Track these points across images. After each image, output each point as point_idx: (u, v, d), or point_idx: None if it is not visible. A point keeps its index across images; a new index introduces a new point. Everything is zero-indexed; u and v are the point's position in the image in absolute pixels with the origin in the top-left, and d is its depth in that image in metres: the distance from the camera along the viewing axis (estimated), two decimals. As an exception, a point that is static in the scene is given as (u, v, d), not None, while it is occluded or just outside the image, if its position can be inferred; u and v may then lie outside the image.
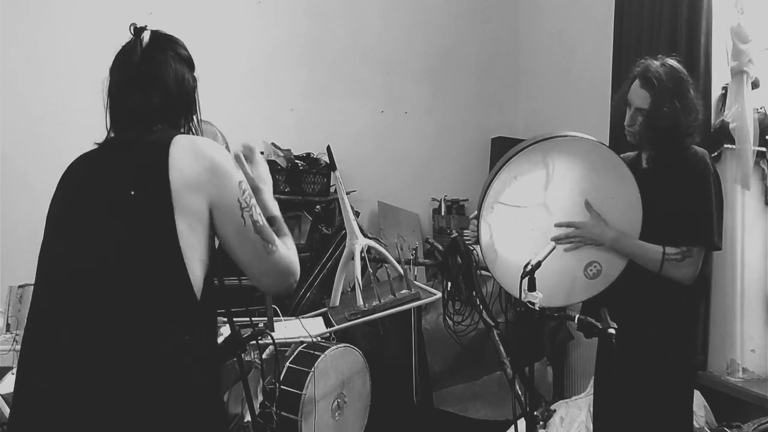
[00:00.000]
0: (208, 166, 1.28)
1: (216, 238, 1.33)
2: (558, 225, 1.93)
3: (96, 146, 1.39)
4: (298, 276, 1.43)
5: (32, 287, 1.33)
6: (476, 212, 1.94)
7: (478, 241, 1.92)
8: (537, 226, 1.93)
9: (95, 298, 1.22)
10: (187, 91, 1.40)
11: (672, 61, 1.97)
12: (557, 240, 1.93)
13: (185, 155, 1.26)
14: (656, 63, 1.95)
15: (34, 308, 1.30)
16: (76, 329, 1.21)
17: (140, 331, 1.20)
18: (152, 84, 1.35)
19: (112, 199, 1.26)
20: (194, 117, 1.42)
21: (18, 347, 2.29)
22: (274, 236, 1.37)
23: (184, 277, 1.23)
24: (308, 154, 3.64)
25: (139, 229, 1.24)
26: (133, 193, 1.24)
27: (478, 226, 1.90)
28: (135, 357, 1.19)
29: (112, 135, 1.38)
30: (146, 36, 1.37)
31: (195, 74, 1.43)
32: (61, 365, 1.20)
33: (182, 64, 1.40)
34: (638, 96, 1.95)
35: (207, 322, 1.32)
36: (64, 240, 1.29)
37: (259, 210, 1.35)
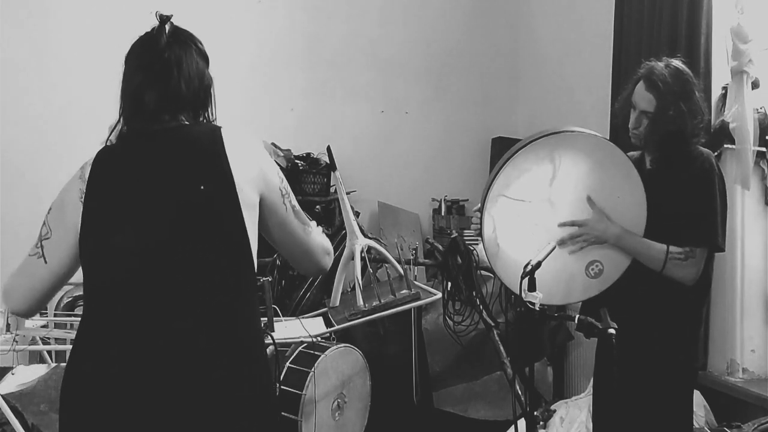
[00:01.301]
0: (256, 161, 1.34)
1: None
2: (562, 225, 1.92)
3: (123, 136, 1.36)
4: (333, 255, 1.55)
5: (85, 284, 1.31)
6: (480, 204, 1.93)
7: (480, 234, 1.90)
8: (540, 221, 1.91)
9: (179, 292, 1.24)
10: (205, 87, 1.41)
11: (677, 63, 1.95)
12: (562, 243, 1.91)
13: (238, 150, 1.31)
14: (661, 65, 1.93)
15: (101, 303, 1.28)
16: (164, 324, 1.23)
17: (227, 320, 1.26)
18: (177, 71, 1.35)
19: (181, 192, 1.27)
20: (210, 113, 1.43)
21: (18, 347, 2.29)
22: (308, 218, 1.47)
23: (252, 268, 1.30)
24: (308, 154, 3.64)
25: (212, 223, 1.27)
26: (202, 187, 1.26)
27: (481, 218, 1.89)
28: (228, 346, 1.26)
29: (134, 125, 1.35)
30: (168, 27, 1.38)
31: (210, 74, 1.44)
32: (155, 362, 1.22)
33: (202, 59, 1.41)
34: (643, 99, 1.93)
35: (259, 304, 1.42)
36: (126, 235, 1.27)
37: (293, 194, 1.44)
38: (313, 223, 1.50)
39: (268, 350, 2.38)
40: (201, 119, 1.41)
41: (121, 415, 1.22)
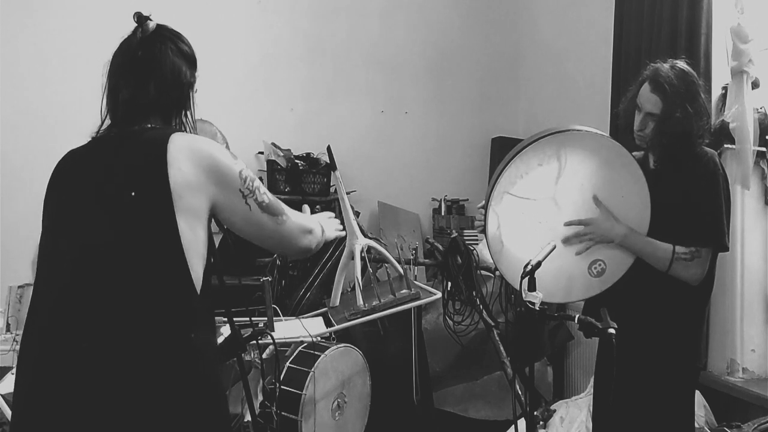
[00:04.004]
0: (207, 166, 1.30)
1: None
2: (568, 224, 1.92)
3: (91, 138, 1.38)
4: (318, 231, 1.51)
5: (32, 286, 1.33)
6: (484, 201, 1.92)
7: (484, 231, 1.90)
8: (545, 219, 1.91)
9: (99, 297, 1.22)
10: (182, 85, 1.40)
11: (682, 64, 1.95)
12: (567, 242, 1.91)
13: (183, 155, 1.27)
14: (666, 66, 1.93)
15: (37, 307, 1.29)
16: (81, 328, 1.21)
17: (146, 329, 1.22)
18: (147, 70, 1.35)
19: (113, 200, 1.26)
20: (187, 113, 1.42)
21: (18, 347, 2.30)
22: (282, 207, 1.43)
23: (186, 275, 1.24)
24: (308, 154, 3.64)
25: (141, 230, 1.24)
26: (133, 194, 1.24)
27: (485, 215, 1.89)
28: (142, 354, 1.20)
29: (107, 126, 1.38)
30: (151, 26, 1.38)
31: (196, 73, 1.43)
32: (67, 364, 1.20)
33: (181, 58, 1.40)
34: (649, 100, 1.93)
35: (207, 317, 1.34)
36: (64, 239, 1.29)
37: (263, 189, 1.39)
38: (288, 210, 1.44)
39: (267, 350, 2.40)
40: (175, 121, 1.40)
41: (33, 418, 1.22)
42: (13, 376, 2.27)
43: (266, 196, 1.39)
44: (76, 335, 1.21)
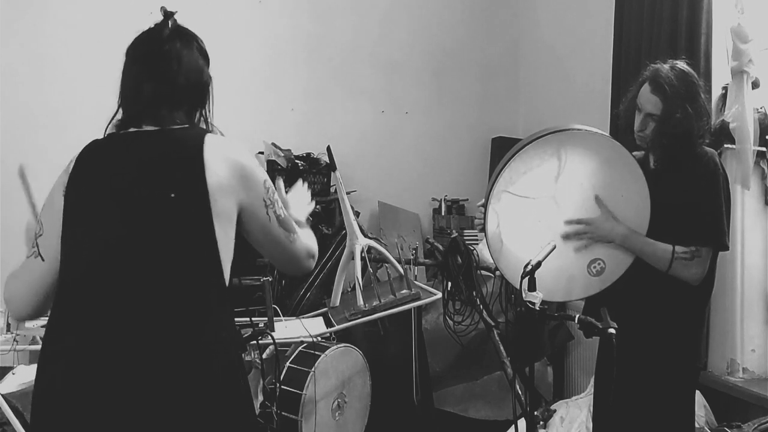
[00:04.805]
0: (238, 170, 1.32)
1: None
2: (568, 222, 1.92)
3: (116, 132, 1.37)
4: (317, 256, 1.53)
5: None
6: (484, 200, 1.92)
7: (484, 230, 1.90)
8: (544, 218, 1.91)
9: (136, 295, 1.23)
10: (204, 84, 1.41)
11: (682, 65, 1.95)
12: (566, 238, 1.91)
13: (218, 159, 1.29)
14: (666, 67, 1.93)
15: (66, 303, 1.28)
16: (117, 326, 1.22)
17: (183, 329, 1.23)
18: (174, 65, 1.35)
19: (152, 199, 1.26)
20: (207, 112, 1.43)
21: (18, 347, 2.30)
22: (294, 225, 1.45)
23: (220, 277, 1.27)
24: (308, 154, 3.64)
25: (180, 232, 1.26)
26: (173, 195, 1.25)
27: (485, 214, 1.89)
28: (179, 352, 1.22)
29: (126, 118, 1.36)
30: (171, 23, 1.39)
31: (210, 73, 1.45)
32: (105, 362, 1.20)
33: (203, 57, 1.42)
34: (649, 101, 1.93)
35: (232, 315, 1.37)
36: (98, 237, 1.27)
37: (280, 203, 1.41)
38: (299, 229, 1.47)
39: (267, 350, 2.40)
40: (197, 116, 1.41)
41: (61, 412, 1.21)
42: (14, 376, 2.28)
43: (282, 210, 1.41)
44: (105, 334, 1.21)
